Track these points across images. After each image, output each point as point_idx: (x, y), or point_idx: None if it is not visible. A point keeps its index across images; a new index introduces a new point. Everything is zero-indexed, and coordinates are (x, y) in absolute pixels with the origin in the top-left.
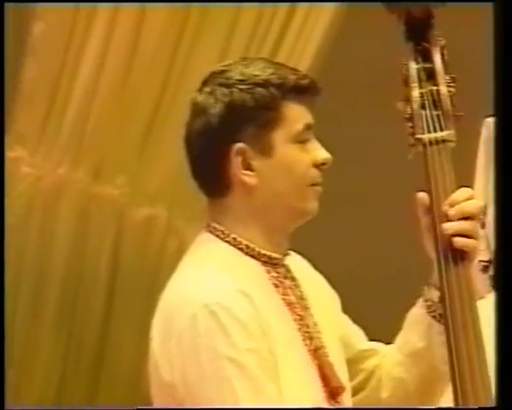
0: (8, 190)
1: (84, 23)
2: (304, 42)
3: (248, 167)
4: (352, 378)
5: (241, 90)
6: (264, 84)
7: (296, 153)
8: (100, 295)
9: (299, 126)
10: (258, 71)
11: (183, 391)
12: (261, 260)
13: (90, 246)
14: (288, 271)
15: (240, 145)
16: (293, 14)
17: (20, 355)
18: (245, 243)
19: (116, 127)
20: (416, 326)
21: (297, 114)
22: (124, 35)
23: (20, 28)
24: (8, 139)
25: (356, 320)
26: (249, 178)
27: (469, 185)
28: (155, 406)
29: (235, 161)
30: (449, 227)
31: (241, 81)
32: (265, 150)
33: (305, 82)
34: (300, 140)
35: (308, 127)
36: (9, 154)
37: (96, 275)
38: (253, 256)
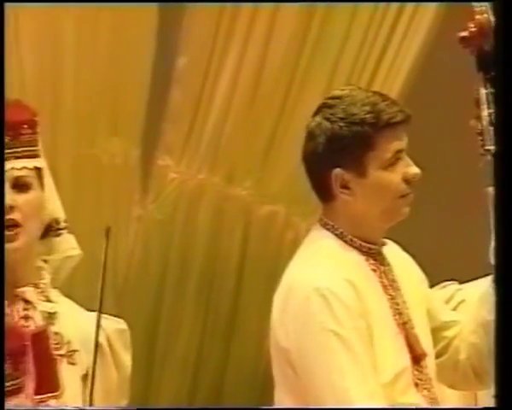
0: (157, 193)
1: (219, 54)
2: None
3: (345, 187)
4: (436, 344)
5: (340, 127)
6: (360, 123)
7: (386, 175)
8: (231, 278)
9: (389, 155)
10: (357, 110)
11: (296, 356)
12: (362, 251)
13: (223, 238)
14: (384, 258)
15: (338, 170)
16: (394, 30)
17: (168, 327)
18: (349, 236)
19: (245, 139)
20: (486, 302)
21: (387, 145)
22: (252, 58)
23: None
24: (158, 151)
25: None
26: (345, 195)
27: None
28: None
29: (335, 183)
30: None
31: (342, 119)
32: (359, 173)
33: (396, 119)
34: (390, 164)
35: (398, 152)
36: (159, 162)
37: (228, 262)
38: (355, 248)
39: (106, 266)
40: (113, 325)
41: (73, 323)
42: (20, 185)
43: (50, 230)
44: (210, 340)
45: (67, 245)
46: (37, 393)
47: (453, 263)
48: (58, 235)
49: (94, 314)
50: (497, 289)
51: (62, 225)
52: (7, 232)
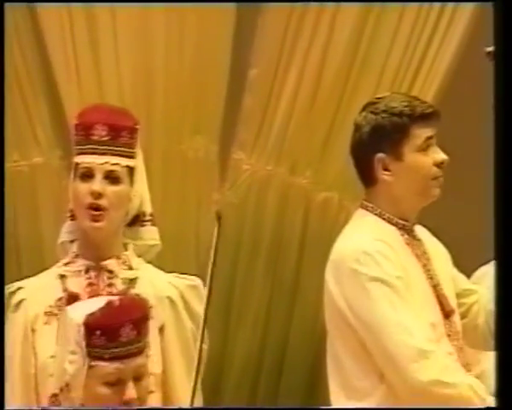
0: (232, 181)
1: (284, 63)
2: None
3: (386, 169)
4: (457, 309)
5: (383, 118)
6: (399, 114)
7: (420, 158)
8: (294, 252)
9: (421, 141)
10: (396, 104)
11: (350, 311)
12: (398, 227)
13: (287, 219)
14: (416, 234)
15: (380, 155)
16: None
17: (242, 292)
18: (387, 215)
19: (305, 137)
20: None
21: (420, 132)
22: (313, 64)
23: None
24: (233, 147)
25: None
26: (387, 176)
27: None
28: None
29: (377, 166)
30: None
31: (383, 111)
32: (397, 157)
33: (427, 111)
34: (423, 149)
35: (429, 139)
36: (234, 156)
37: (291, 239)
38: (392, 224)
39: (217, 248)
40: (186, 282)
41: (151, 284)
42: (112, 178)
43: (137, 220)
44: (276, 304)
45: (150, 235)
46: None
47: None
48: (143, 225)
49: (168, 275)
50: (498, 290)
51: (148, 217)
52: (94, 212)
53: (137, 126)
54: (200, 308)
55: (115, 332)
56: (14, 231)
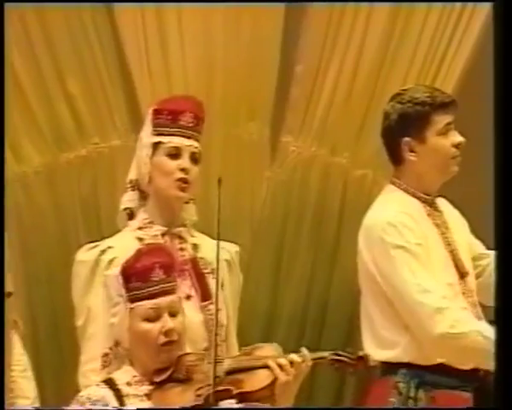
0: (282, 161)
1: (326, 56)
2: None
3: (412, 151)
4: (473, 270)
5: (408, 106)
6: (422, 103)
7: (440, 141)
8: (334, 222)
9: (441, 126)
10: (419, 95)
11: (379, 276)
12: (421, 200)
13: (328, 193)
14: (437, 206)
15: (407, 139)
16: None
17: (289, 255)
18: (412, 190)
19: (344, 122)
20: None
21: (440, 119)
22: (351, 58)
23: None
24: (282, 131)
25: None
26: (412, 157)
27: None
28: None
29: (404, 148)
30: None
31: (408, 101)
32: (422, 141)
33: (447, 101)
34: (443, 133)
35: (448, 124)
36: (283, 139)
37: (332, 210)
38: (416, 197)
39: (220, 209)
40: (233, 248)
41: (211, 249)
42: (194, 159)
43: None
44: (319, 265)
45: (192, 211)
46: (202, 301)
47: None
48: (188, 202)
49: (220, 241)
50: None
51: (192, 196)
52: (183, 185)
53: (204, 116)
54: (239, 273)
55: (146, 273)
56: (95, 204)
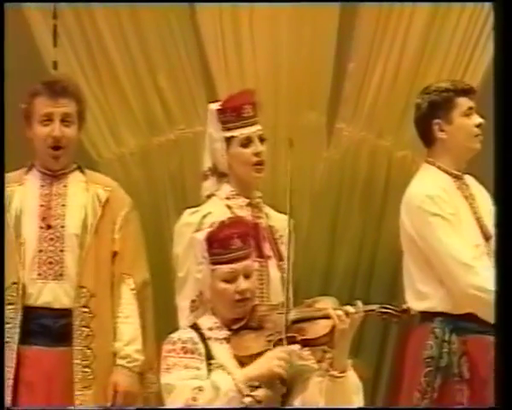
0: (336, 144)
1: (375, 52)
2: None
3: (441, 130)
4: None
5: (435, 94)
6: (446, 90)
7: (465, 121)
8: (380, 195)
9: (465, 108)
10: (444, 85)
11: (418, 237)
12: (452, 176)
13: (375, 171)
14: (465, 181)
15: (437, 120)
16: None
17: (343, 221)
18: (444, 167)
19: (389, 110)
20: None
21: (463, 102)
22: (395, 52)
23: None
24: (337, 119)
25: None
26: (442, 135)
27: None
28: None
29: (435, 128)
30: None
31: (434, 91)
32: (449, 121)
33: (467, 87)
34: (466, 115)
35: (470, 108)
36: (337, 126)
37: (378, 186)
38: (448, 173)
39: (289, 173)
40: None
41: (277, 219)
42: (262, 139)
43: None
44: (368, 230)
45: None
46: (278, 261)
47: None
48: None
49: (283, 216)
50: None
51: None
52: (259, 167)
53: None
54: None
55: (226, 242)
56: (181, 179)
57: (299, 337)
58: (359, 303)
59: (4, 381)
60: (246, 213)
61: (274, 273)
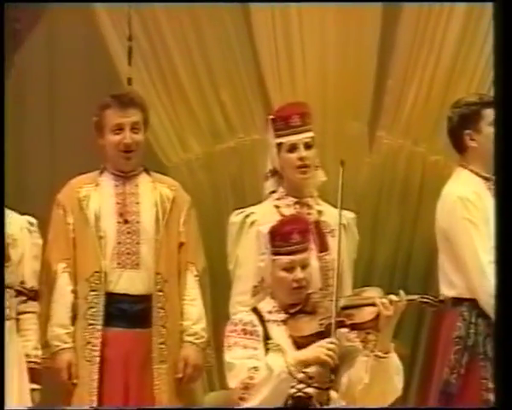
0: (376, 150)
1: (414, 56)
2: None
3: (472, 139)
4: None
5: (464, 108)
6: (474, 104)
7: (490, 130)
8: (416, 196)
9: (491, 119)
10: (472, 98)
11: (450, 235)
12: (482, 178)
13: (411, 174)
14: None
15: (467, 131)
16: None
17: (383, 220)
18: (475, 170)
19: (424, 119)
20: None
21: (490, 113)
22: (432, 57)
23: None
24: (378, 127)
25: None
26: (473, 144)
27: None
28: None
29: (466, 138)
30: None
31: (464, 104)
32: (478, 131)
33: (491, 99)
34: (491, 124)
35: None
36: (377, 133)
37: (414, 187)
38: (479, 176)
39: (343, 186)
40: (350, 215)
41: (330, 215)
42: (308, 146)
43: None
44: (406, 226)
45: (320, 174)
46: (319, 252)
47: None
48: (316, 169)
49: (336, 209)
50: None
51: (318, 164)
52: (304, 169)
53: (310, 111)
54: (356, 234)
55: (287, 236)
56: (241, 182)
57: (348, 322)
58: (402, 293)
59: (4, 381)
60: (292, 211)
61: (314, 263)
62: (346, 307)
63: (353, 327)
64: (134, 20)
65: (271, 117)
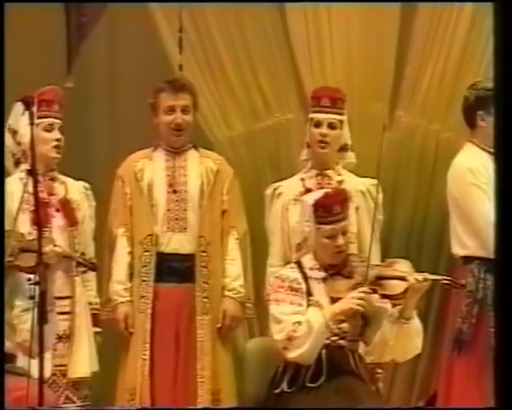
0: (396, 129)
1: (428, 49)
2: None
3: (483, 120)
4: None
5: (481, 92)
6: (490, 89)
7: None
8: (430, 168)
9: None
10: (487, 83)
11: (461, 200)
12: (488, 153)
13: (426, 149)
14: None
15: (480, 112)
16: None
17: (400, 189)
18: (482, 146)
19: (438, 101)
20: None
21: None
22: (444, 51)
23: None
24: (396, 108)
25: None
26: (483, 124)
27: None
28: None
29: (478, 118)
30: None
31: (481, 88)
32: (488, 112)
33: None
34: None
35: None
36: (396, 113)
37: (429, 161)
38: (485, 151)
39: (382, 152)
40: (369, 182)
41: (351, 183)
42: (331, 126)
43: (344, 148)
44: (421, 194)
45: (350, 156)
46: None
47: None
48: (346, 151)
49: (359, 178)
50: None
51: (349, 147)
52: (322, 144)
53: (344, 98)
54: (378, 198)
55: (330, 207)
56: (277, 158)
57: (380, 292)
58: (427, 274)
59: (4, 380)
60: (314, 182)
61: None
62: (379, 278)
63: (384, 297)
64: (184, 15)
65: (310, 95)
